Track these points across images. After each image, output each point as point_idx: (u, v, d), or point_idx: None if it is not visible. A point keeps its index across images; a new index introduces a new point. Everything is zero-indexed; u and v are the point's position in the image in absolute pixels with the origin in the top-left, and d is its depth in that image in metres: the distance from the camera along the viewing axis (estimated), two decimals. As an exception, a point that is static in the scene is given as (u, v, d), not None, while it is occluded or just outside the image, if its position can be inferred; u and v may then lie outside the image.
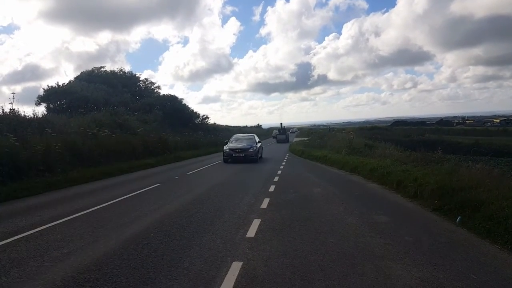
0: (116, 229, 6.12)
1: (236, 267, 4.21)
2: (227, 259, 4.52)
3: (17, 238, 5.65)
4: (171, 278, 3.97)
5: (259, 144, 21.76)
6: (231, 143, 21.34)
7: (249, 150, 20.02)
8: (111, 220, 6.80)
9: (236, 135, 23.62)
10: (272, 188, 10.29)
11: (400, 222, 6.48)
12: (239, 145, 20.63)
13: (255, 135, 23.71)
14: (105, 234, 5.84)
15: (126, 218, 6.89)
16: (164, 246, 5.09)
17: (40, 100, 32.37)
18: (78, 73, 42.76)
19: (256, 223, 6.28)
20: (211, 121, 51.72)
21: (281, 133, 56.33)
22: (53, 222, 6.67)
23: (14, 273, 4.22)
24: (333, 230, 5.82)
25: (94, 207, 8.04)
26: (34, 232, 5.98)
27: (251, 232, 5.72)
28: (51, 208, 7.40)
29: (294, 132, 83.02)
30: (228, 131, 57.15)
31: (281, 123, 61.30)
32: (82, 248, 5.12)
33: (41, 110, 28.48)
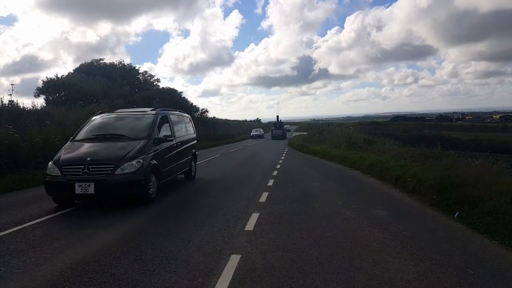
0: (115, 221, 6.13)
1: (234, 260, 4.23)
2: (225, 252, 4.54)
3: (16, 230, 5.66)
4: (170, 270, 3.98)
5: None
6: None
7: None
8: (110, 212, 6.81)
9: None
10: (271, 182, 10.29)
11: (398, 217, 6.50)
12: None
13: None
14: (104, 226, 5.84)
15: (124, 211, 6.90)
16: (162, 239, 5.11)
17: (39, 92, 32.21)
18: (77, 65, 42.55)
19: (254, 216, 6.29)
20: (210, 114, 51.35)
21: (278, 128, 49.78)
22: (52, 214, 6.69)
23: (13, 264, 4.23)
24: (331, 224, 5.83)
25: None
26: (33, 224, 5.98)
27: (250, 226, 5.73)
28: (50, 200, 7.40)
29: (289, 130, 68.90)
30: (227, 125, 56.71)
31: (277, 116, 54.13)
32: (81, 239, 5.13)
33: (40, 102, 28.31)
